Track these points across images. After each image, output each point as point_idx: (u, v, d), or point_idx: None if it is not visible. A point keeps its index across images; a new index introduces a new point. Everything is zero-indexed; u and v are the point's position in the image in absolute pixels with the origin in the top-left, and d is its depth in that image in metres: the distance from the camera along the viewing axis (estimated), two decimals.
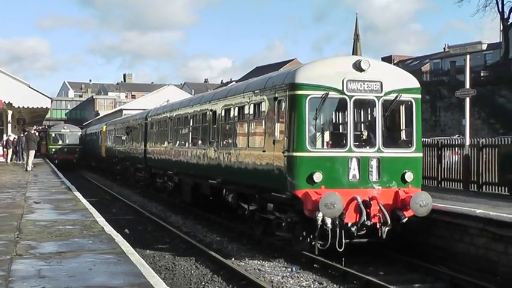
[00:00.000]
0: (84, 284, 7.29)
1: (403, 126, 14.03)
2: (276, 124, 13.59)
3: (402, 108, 13.86)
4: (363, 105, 14.09)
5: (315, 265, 12.95)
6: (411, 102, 13.70)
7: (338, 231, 12.45)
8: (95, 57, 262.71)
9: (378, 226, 12.74)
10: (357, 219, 12.62)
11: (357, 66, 13.15)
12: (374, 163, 13.11)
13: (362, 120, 14.74)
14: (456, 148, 19.50)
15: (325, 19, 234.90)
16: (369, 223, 12.66)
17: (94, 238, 10.48)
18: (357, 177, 12.99)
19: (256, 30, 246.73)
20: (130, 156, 33.70)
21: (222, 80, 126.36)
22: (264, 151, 14.07)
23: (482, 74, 53.44)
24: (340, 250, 12.43)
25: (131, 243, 10.67)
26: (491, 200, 15.20)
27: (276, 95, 13.66)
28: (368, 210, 12.60)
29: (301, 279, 12.06)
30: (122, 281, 7.39)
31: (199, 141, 20.15)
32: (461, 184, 18.82)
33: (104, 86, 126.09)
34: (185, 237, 16.75)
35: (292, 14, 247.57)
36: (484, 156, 17.93)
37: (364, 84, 13.17)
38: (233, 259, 13.88)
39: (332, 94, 12.99)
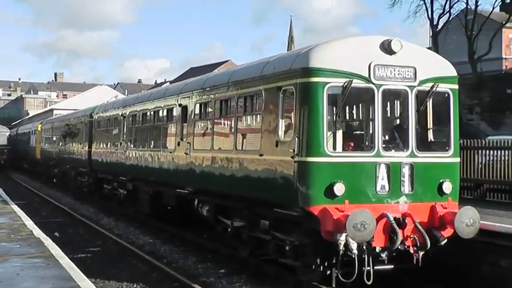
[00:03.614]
0: None
1: (430, 124, 11.55)
2: (280, 121, 10.94)
3: (430, 102, 11.25)
4: (393, 97, 11.50)
5: (248, 267, 13.03)
6: (448, 95, 11.11)
7: (366, 258, 9.95)
8: (28, 55, 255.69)
9: (411, 251, 10.23)
10: (387, 243, 10.12)
11: (386, 48, 10.53)
12: (406, 171, 10.52)
13: (390, 115, 12.10)
14: None
15: (265, 21, 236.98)
16: (402, 247, 10.13)
17: (22, 242, 10.30)
18: (386, 188, 10.38)
19: (196, 31, 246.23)
20: (71, 158, 30.59)
21: (156, 81, 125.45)
22: (261, 155, 11.36)
23: None
24: (369, 283, 10.00)
25: (61, 247, 10.56)
26: None
27: (280, 84, 10.95)
28: (402, 231, 10.09)
29: (234, 280, 12.14)
30: (51, 285, 7.31)
31: (164, 142, 17.25)
32: None
33: (34, 85, 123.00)
34: (117, 239, 16.65)
35: (232, 16, 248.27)
36: None
37: (394, 70, 10.56)
38: (166, 261, 13.85)
39: (356, 82, 10.30)
